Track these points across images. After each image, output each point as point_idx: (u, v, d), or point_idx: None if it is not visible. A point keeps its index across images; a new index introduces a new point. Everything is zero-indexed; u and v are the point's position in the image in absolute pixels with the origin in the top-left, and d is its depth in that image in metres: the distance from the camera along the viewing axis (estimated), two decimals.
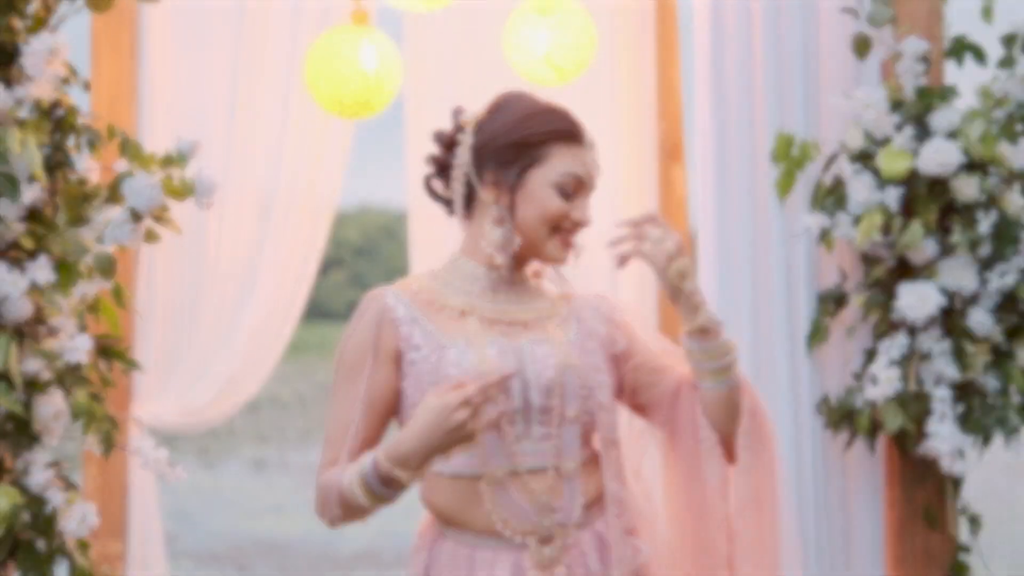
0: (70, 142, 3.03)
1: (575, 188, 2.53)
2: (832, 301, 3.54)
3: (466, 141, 2.54)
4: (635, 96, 4.77)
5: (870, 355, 3.47)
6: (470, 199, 2.55)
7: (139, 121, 4.52)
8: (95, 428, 2.91)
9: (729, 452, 2.57)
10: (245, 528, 11.55)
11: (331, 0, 4.37)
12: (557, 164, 2.52)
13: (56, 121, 3.00)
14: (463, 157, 2.55)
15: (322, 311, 29.32)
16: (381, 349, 2.50)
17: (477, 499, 2.48)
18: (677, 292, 2.46)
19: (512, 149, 2.51)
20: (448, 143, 2.58)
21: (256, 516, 11.94)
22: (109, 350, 3.01)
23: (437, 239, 4.84)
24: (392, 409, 2.53)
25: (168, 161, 2.91)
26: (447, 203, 2.60)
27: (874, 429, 3.43)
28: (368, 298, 2.55)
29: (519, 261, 2.57)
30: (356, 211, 38.65)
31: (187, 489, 11.71)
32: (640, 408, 2.64)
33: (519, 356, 2.49)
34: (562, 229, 2.53)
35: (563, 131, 2.54)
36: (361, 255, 39.35)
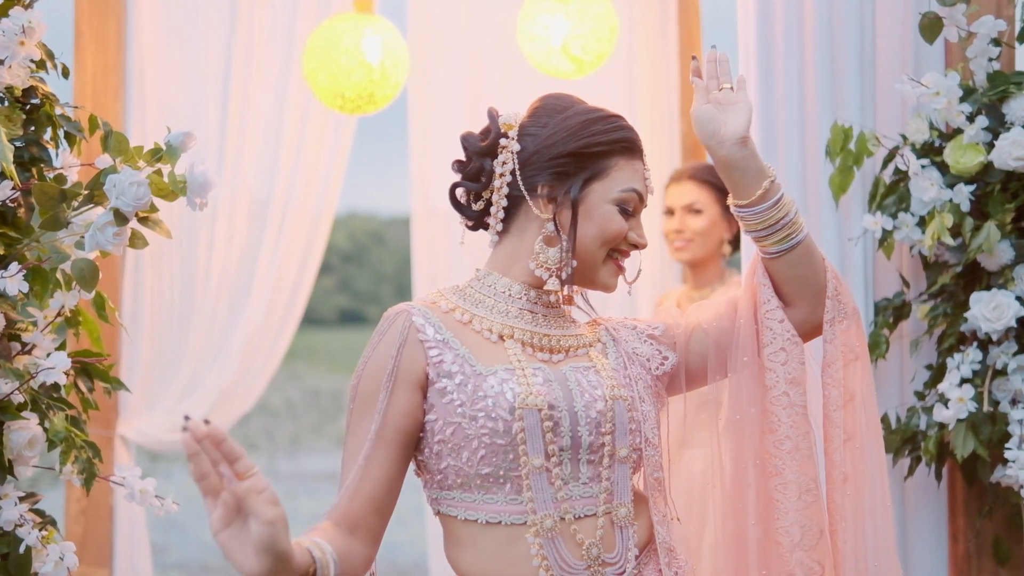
0: (46, 135, 2.70)
1: (635, 207, 2.27)
2: (892, 312, 3.20)
3: (511, 147, 2.26)
4: (657, 91, 4.70)
5: (937, 372, 3.14)
6: (510, 212, 2.27)
7: (125, 115, 4.47)
8: (74, 457, 2.57)
9: (815, 327, 2.39)
10: None
11: None
12: (619, 178, 2.26)
13: (30, 110, 2.66)
14: (508, 166, 2.26)
15: (310, 317, 29.19)
16: (404, 374, 2.19)
17: (520, 552, 2.16)
18: (736, 157, 2.28)
19: (571, 160, 2.24)
20: (488, 149, 2.29)
21: None
22: (90, 369, 2.67)
23: (439, 245, 4.84)
24: (412, 445, 2.21)
25: (157, 156, 2.56)
26: (477, 214, 2.32)
27: (942, 455, 3.09)
28: (390, 316, 2.24)
29: (563, 283, 2.27)
30: (344, 216, 38.75)
31: (176, 499, 11.89)
32: (698, 364, 2.40)
33: (564, 386, 2.21)
34: (619, 251, 2.28)
35: (626, 141, 2.28)
36: (350, 261, 39.46)
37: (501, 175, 2.26)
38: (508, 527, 2.17)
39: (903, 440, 3.15)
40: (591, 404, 2.20)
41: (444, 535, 2.27)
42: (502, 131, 2.28)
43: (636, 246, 2.29)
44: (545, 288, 2.25)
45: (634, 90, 4.59)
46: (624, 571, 2.20)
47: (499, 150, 2.27)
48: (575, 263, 2.24)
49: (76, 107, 2.76)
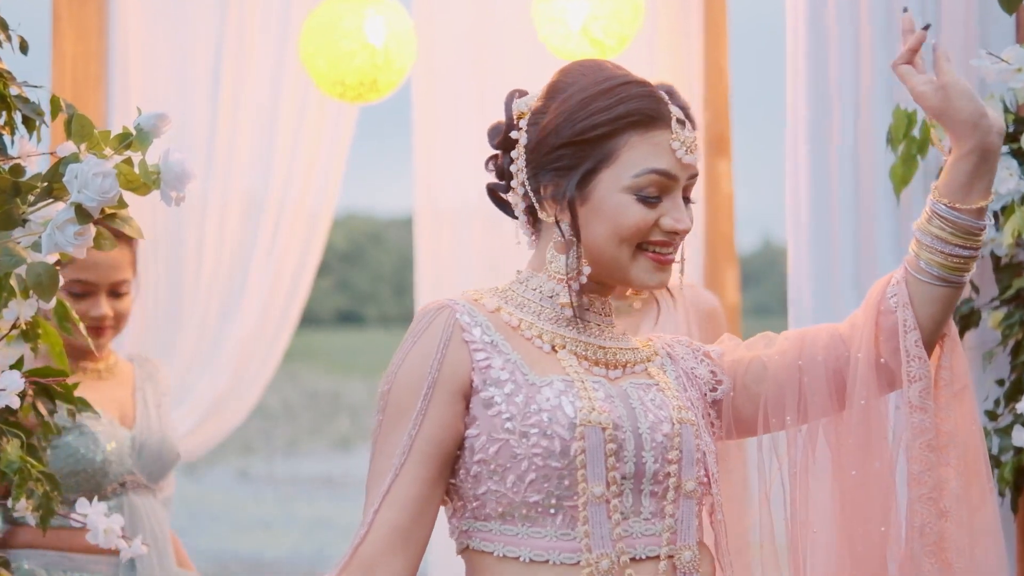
0: (0, 118, 2.41)
1: (661, 188, 1.96)
2: (959, 321, 2.96)
3: (521, 140, 2.02)
4: (679, 81, 4.50)
5: (1013, 388, 2.88)
6: (534, 212, 2.05)
7: (108, 107, 4.47)
8: (29, 491, 2.28)
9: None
10: (231, 546, 12.09)
11: None
12: (632, 160, 1.97)
13: None
14: (519, 162, 2.03)
15: (308, 317, 29.46)
16: (446, 380, 1.93)
17: None
18: (997, 147, 2.07)
19: (570, 150, 1.98)
20: (502, 143, 2.06)
21: (243, 532, 12.48)
22: (50, 389, 2.38)
23: (443, 246, 4.74)
24: (450, 466, 1.94)
25: (126, 142, 2.26)
26: (513, 215, 2.11)
27: (1019, 483, 2.83)
28: (430, 311, 1.98)
29: (605, 287, 2.04)
30: (343, 217, 39.47)
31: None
32: (748, 406, 2.14)
33: (627, 404, 1.95)
34: (652, 243, 1.98)
35: (636, 113, 1.98)
36: (347, 261, 40.20)
37: (517, 173, 2.02)
38: (556, 567, 1.90)
39: None
40: (656, 426, 1.95)
41: (469, 561, 1.99)
42: (515, 120, 2.04)
43: (675, 233, 1.99)
44: (562, 303, 1.99)
45: (655, 78, 4.41)
46: None
47: (513, 144, 2.03)
48: (588, 270, 1.98)
49: (36, 87, 2.47)
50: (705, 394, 2.08)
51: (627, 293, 2.06)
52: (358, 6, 4.03)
